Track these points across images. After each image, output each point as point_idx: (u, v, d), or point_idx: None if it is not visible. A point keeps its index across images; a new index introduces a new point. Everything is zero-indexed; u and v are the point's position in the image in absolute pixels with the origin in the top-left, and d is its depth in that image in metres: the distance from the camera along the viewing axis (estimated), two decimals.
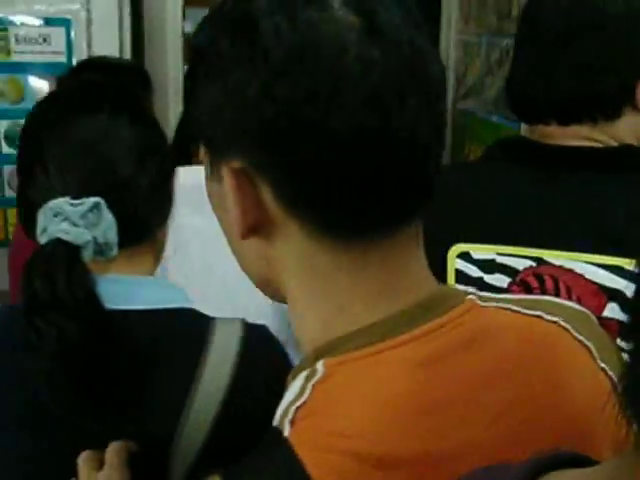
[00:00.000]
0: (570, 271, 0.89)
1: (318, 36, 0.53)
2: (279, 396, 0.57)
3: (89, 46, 2.07)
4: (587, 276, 0.88)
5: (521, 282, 0.90)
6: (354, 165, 0.53)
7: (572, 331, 0.63)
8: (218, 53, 0.56)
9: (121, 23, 2.08)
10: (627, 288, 0.82)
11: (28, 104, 2.09)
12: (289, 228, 0.57)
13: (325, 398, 0.56)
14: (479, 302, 0.62)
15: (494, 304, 0.64)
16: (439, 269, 0.91)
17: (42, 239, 0.82)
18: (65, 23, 2.07)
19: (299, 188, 0.55)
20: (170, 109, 3.16)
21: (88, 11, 2.06)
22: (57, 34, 2.08)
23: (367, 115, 0.53)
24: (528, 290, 0.90)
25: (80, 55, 2.07)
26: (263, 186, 0.56)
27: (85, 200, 0.83)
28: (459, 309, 0.60)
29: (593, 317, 0.67)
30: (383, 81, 0.53)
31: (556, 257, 0.89)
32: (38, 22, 2.08)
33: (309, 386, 0.56)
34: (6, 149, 2.11)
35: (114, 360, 0.78)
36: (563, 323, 0.63)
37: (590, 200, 0.91)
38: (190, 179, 0.94)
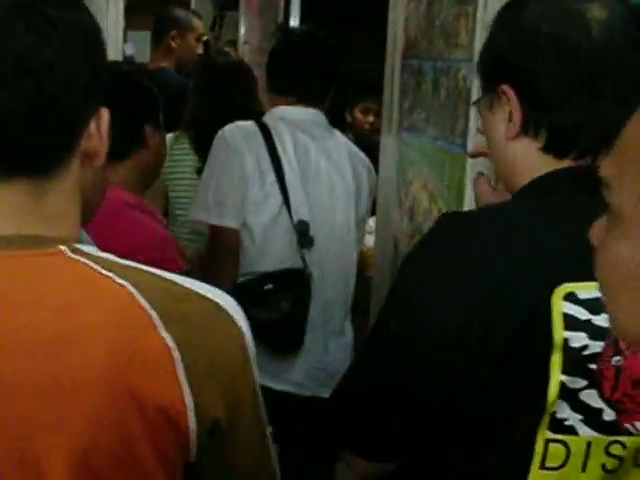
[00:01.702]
0: None
1: None
2: None
3: None
4: None
5: None
6: None
7: (136, 295, 0.73)
8: None
9: None
10: None
11: None
12: None
13: None
14: (70, 254, 0.75)
15: (87, 261, 0.75)
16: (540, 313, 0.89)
17: None
18: None
19: None
20: None
21: None
22: None
23: None
24: None
25: None
26: None
27: None
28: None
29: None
30: None
31: None
32: None
33: None
34: None
35: None
36: (131, 288, 0.73)
37: None
38: None
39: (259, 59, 4.05)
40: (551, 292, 0.88)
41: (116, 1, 3.41)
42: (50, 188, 0.77)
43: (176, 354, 0.73)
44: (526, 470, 0.92)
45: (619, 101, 0.93)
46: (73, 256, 0.75)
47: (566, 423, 0.91)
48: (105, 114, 0.80)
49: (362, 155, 2.22)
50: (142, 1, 10.45)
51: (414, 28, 2.05)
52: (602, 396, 0.89)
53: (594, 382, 0.89)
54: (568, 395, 0.89)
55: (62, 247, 0.75)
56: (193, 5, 9.39)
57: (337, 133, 2.20)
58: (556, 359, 0.88)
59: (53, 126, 0.75)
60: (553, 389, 0.89)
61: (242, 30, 4.93)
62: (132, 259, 0.79)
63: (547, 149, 0.97)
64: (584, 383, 0.89)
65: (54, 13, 0.76)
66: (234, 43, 5.03)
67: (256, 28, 4.85)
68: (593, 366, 0.89)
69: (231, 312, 0.78)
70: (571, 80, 0.94)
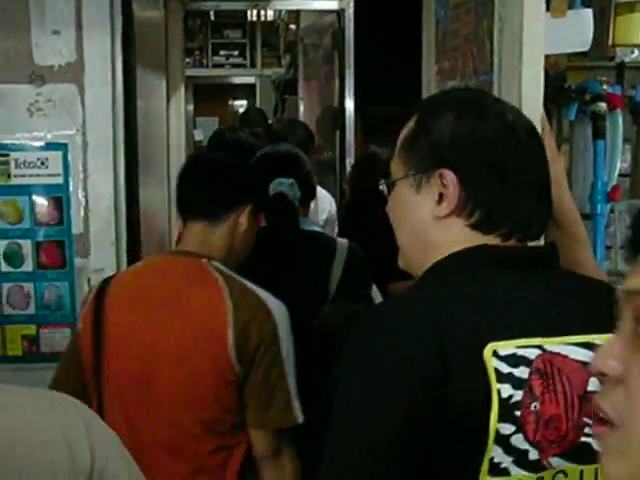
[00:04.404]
0: (558, 354, 1.05)
1: None
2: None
3: (84, 167, 2.19)
4: (570, 356, 1.05)
5: (536, 370, 1.04)
6: None
7: (222, 286, 1.81)
8: None
9: (115, 145, 2.20)
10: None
11: (26, 224, 2.20)
12: None
13: None
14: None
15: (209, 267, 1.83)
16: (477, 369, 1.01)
17: None
18: (62, 148, 2.20)
19: None
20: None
21: (84, 134, 2.19)
22: (54, 157, 2.20)
23: None
24: (542, 375, 1.04)
25: (76, 176, 2.19)
26: None
27: None
28: None
29: None
30: None
31: (549, 343, 1.05)
32: (38, 146, 2.21)
33: None
34: (5, 267, 2.20)
35: None
36: (222, 282, 1.80)
37: (567, 291, 1.12)
38: None
39: (316, 140, 4.27)
40: (482, 350, 1.01)
41: (177, 94, 3.65)
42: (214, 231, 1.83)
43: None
44: None
45: (538, 194, 1.13)
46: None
47: (501, 466, 1.01)
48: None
49: None
50: (209, 90, 10.95)
51: None
52: (526, 439, 1.01)
53: (520, 427, 1.01)
54: (501, 440, 1.00)
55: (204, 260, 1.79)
56: (258, 92, 9.85)
57: None
58: (494, 409, 0.99)
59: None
60: (491, 436, 1.00)
61: (301, 113, 5.16)
62: None
63: (477, 226, 1.11)
64: (513, 429, 1.00)
65: None
66: None
67: (315, 111, 5.08)
68: (518, 413, 1.01)
69: (270, 307, 1.72)
70: (504, 170, 1.11)
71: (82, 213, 2.19)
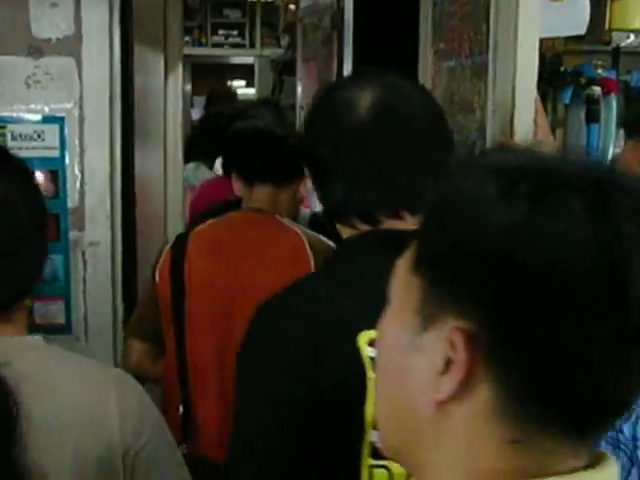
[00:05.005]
0: None
1: None
2: None
3: (81, 141, 2.20)
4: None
5: None
6: None
7: (302, 236, 2.09)
8: None
9: (112, 120, 2.21)
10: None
11: None
12: None
13: None
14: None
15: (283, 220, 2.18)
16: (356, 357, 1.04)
17: None
18: (59, 121, 2.21)
19: None
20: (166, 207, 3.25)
21: (81, 108, 2.20)
22: (51, 131, 2.21)
23: None
24: None
25: (72, 150, 2.19)
26: None
27: None
28: None
29: None
30: None
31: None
32: (35, 119, 2.21)
33: None
34: None
35: None
36: (300, 233, 2.12)
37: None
38: None
39: None
40: (357, 339, 1.03)
41: (175, 72, 3.65)
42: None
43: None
44: None
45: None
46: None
47: None
48: None
49: None
50: (208, 69, 10.87)
51: (440, 101, 2.23)
52: None
53: None
54: None
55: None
56: (256, 72, 9.82)
57: None
58: (370, 396, 1.02)
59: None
60: (368, 420, 1.03)
61: (299, 94, 5.16)
62: None
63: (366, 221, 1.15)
64: None
65: None
66: (293, 107, 5.26)
67: (313, 92, 5.07)
68: None
69: None
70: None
71: (78, 186, 2.20)
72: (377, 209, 1.15)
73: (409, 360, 0.64)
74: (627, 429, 1.07)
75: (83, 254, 2.17)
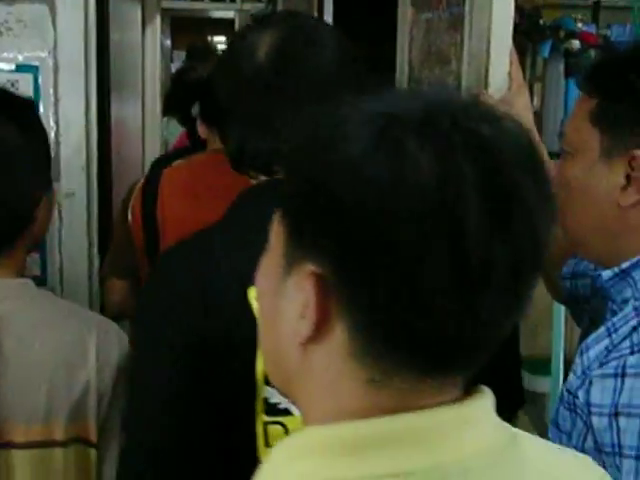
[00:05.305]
0: None
1: None
2: None
3: (55, 91, 2.17)
4: None
5: None
6: None
7: None
8: None
9: (87, 69, 2.18)
10: None
11: None
12: None
13: None
14: None
15: None
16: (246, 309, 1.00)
17: None
18: (33, 70, 2.17)
19: None
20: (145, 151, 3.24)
21: (55, 57, 2.16)
22: (25, 80, 2.18)
23: None
24: None
25: (47, 100, 2.17)
26: None
27: None
28: None
29: None
30: None
31: None
32: (8, 68, 2.18)
33: None
34: None
35: None
36: None
37: None
38: None
39: None
40: (247, 292, 1.00)
41: (153, 25, 3.61)
42: None
43: None
44: (256, 450, 1.02)
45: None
46: None
47: (280, 406, 1.01)
48: None
49: None
50: (188, 24, 10.69)
51: (417, 54, 2.22)
52: None
53: None
54: None
55: None
56: (237, 27, 9.68)
57: None
58: (260, 350, 0.95)
59: None
60: (260, 376, 1.00)
61: None
62: None
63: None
64: None
65: None
66: None
67: None
68: None
69: None
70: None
71: (52, 137, 2.18)
72: (269, 159, 1.09)
73: (278, 304, 0.67)
74: (581, 395, 1.05)
75: (59, 205, 2.15)
